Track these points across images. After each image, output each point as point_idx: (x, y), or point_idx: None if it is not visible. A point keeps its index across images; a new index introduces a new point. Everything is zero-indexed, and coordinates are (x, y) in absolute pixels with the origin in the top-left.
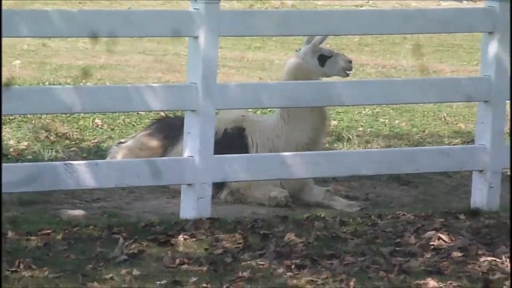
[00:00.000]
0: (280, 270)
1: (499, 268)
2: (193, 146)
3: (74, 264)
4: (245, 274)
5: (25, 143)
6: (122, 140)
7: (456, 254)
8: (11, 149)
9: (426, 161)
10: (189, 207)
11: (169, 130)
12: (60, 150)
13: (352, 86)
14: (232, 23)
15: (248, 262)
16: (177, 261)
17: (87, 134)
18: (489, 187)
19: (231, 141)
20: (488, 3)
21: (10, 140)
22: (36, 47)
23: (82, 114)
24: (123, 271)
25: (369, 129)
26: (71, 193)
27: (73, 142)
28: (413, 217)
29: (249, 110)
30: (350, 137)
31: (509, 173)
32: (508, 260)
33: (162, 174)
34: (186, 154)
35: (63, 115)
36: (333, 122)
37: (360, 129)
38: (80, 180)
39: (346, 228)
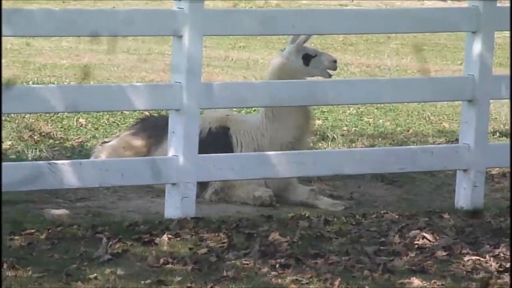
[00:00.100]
0: (265, 270)
1: (483, 267)
2: (177, 146)
3: (58, 263)
4: (230, 273)
5: (9, 143)
6: (106, 140)
7: (440, 253)
8: None
9: (410, 160)
10: (174, 207)
11: (153, 129)
12: (44, 150)
13: (337, 85)
14: (216, 22)
15: (233, 261)
16: (162, 260)
17: (71, 133)
18: (473, 186)
19: (216, 140)
20: (471, 2)
21: None
22: (20, 46)
23: (66, 113)
24: (107, 271)
25: (353, 129)
26: (55, 193)
27: (57, 142)
28: (397, 216)
29: (234, 109)
30: (335, 136)
31: (493, 173)
32: (492, 259)
33: (146, 173)
34: (170, 153)
35: (47, 115)
36: (318, 122)
37: (345, 128)
38: (64, 180)
39: (331, 227)
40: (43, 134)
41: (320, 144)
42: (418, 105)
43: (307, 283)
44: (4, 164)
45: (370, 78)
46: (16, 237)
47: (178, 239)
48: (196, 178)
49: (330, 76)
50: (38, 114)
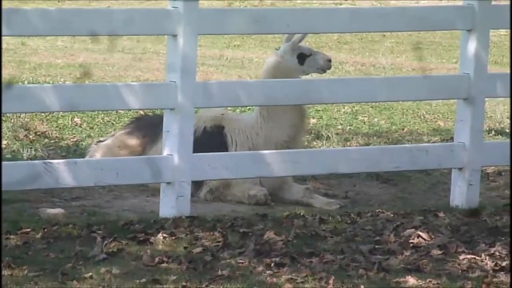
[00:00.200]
0: (260, 268)
1: (478, 266)
2: (172, 145)
3: (53, 263)
4: (225, 272)
5: (4, 142)
6: (101, 139)
7: (436, 252)
8: None
9: (405, 158)
10: (169, 206)
11: (148, 128)
12: (39, 149)
13: (332, 84)
14: (211, 21)
15: (228, 260)
16: (157, 259)
17: (66, 132)
18: (468, 184)
19: (210, 139)
20: (467, 0)
21: None
22: (15, 46)
23: (61, 113)
24: (103, 270)
25: (348, 127)
26: (50, 192)
27: (52, 141)
28: (392, 215)
29: (229, 108)
30: (329, 135)
31: (488, 171)
32: (487, 258)
33: (141, 172)
34: (165, 152)
35: (42, 114)
36: (312, 120)
37: (339, 127)
38: (59, 179)
39: (326, 226)
40: (38, 133)
41: (315, 143)
42: (413, 103)
43: (302, 282)
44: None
45: (365, 76)
46: (12, 236)
47: (173, 238)
48: (191, 177)
49: (324, 72)
50: (34, 113)
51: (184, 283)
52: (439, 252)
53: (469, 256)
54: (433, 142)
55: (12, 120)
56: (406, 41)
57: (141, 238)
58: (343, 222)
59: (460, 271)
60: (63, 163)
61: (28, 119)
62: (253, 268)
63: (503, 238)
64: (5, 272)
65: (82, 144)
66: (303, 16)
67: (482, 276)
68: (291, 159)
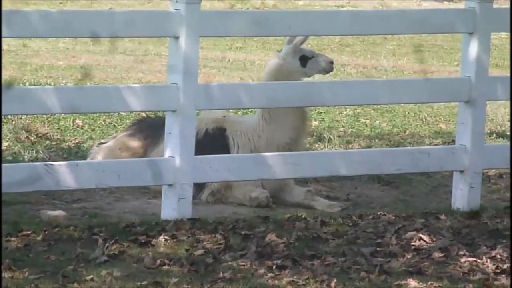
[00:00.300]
0: (261, 271)
1: (479, 269)
2: (174, 147)
3: (54, 265)
4: (226, 274)
5: (6, 144)
6: (102, 141)
7: (437, 254)
8: None
9: (406, 161)
10: (170, 208)
11: (150, 130)
12: (40, 151)
13: (333, 86)
14: (213, 23)
15: (229, 262)
16: (158, 261)
17: (68, 134)
18: (469, 187)
19: (212, 141)
20: (468, 3)
21: None
22: (17, 48)
23: (62, 114)
24: (104, 272)
25: (350, 130)
26: (51, 194)
27: (54, 143)
28: (394, 217)
29: (230, 110)
30: (331, 137)
31: (489, 174)
32: (489, 260)
33: (143, 174)
34: (167, 154)
35: (44, 116)
36: (314, 123)
37: (341, 129)
38: (60, 181)
39: (327, 228)
40: (39, 135)
41: (316, 145)
42: (414, 106)
43: (303, 285)
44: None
45: (367, 79)
46: (13, 239)
47: (175, 240)
48: (192, 179)
49: (327, 73)
50: (35, 115)
51: (185, 286)
52: (441, 255)
53: (470, 259)
54: (435, 145)
55: (14, 122)
56: (407, 43)
57: (142, 240)
58: (345, 225)
59: (461, 273)
60: (64, 165)
61: (30, 121)
62: (254, 271)
63: (504, 241)
64: (5, 275)
65: (83, 146)
66: (305, 18)
67: (483, 278)
68: (293, 162)
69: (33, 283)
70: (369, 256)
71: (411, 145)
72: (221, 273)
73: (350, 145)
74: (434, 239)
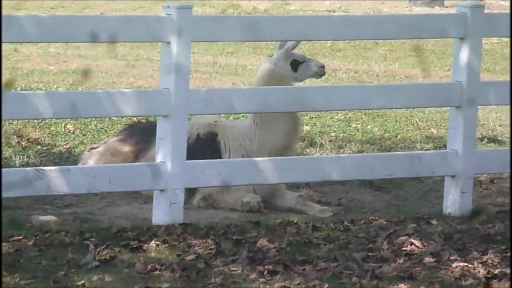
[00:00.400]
0: (253, 276)
1: (471, 274)
2: (165, 152)
3: (45, 270)
4: (218, 280)
5: None
6: (94, 146)
7: (429, 259)
8: None
9: (398, 166)
10: (162, 213)
11: (141, 135)
12: (31, 156)
13: (325, 91)
14: (204, 28)
15: (221, 268)
16: (149, 267)
17: (59, 139)
18: (461, 192)
19: (204, 146)
20: (459, 8)
21: None
22: (8, 52)
23: (53, 119)
24: (95, 277)
25: (341, 134)
26: (43, 199)
27: (45, 148)
28: (385, 222)
29: (222, 115)
30: (323, 142)
31: (481, 179)
32: (480, 265)
33: (134, 179)
34: (158, 159)
35: (35, 121)
36: (306, 127)
37: (333, 134)
38: (51, 186)
39: (319, 233)
40: (31, 140)
41: (308, 150)
42: (406, 111)
43: None
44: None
45: (358, 84)
46: (4, 244)
47: (166, 245)
48: (184, 184)
49: (320, 76)
50: (26, 120)
51: None
52: (432, 260)
53: (461, 264)
54: (426, 150)
55: (5, 127)
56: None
57: (134, 246)
58: (336, 230)
59: (452, 278)
60: (55, 170)
61: (21, 126)
62: (246, 276)
63: (495, 246)
64: None
65: (75, 151)
66: (296, 23)
67: (475, 284)
68: (285, 166)
69: None
70: (361, 261)
71: (403, 150)
72: (212, 278)
73: (341, 150)
74: (426, 244)
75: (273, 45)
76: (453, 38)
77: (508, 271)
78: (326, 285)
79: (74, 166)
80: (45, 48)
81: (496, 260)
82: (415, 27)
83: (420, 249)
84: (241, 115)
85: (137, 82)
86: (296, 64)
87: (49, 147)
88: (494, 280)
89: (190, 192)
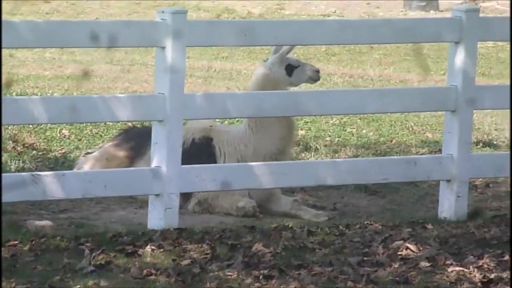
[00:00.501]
0: (248, 281)
1: (467, 278)
2: (160, 156)
3: (41, 275)
4: (213, 285)
5: None
6: (89, 151)
7: (424, 264)
8: None
9: (393, 170)
10: (157, 218)
11: (136, 140)
12: (27, 161)
13: (319, 95)
14: (199, 33)
15: (216, 272)
16: (145, 272)
17: (54, 144)
18: (456, 196)
19: (199, 151)
20: (454, 12)
21: None
22: (3, 58)
23: (49, 124)
24: (91, 282)
25: (336, 139)
26: (38, 204)
27: (40, 153)
28: (380, 226)
29: (217, 120)
30: (318, 146)
31: (476, 183)
32: (476, 270)
33: (130, 184)
34: (153, 164)
35: (30, 126)
36: (301, 132)
37: (328, 138)
38: (47, 191)
39: (314, 238)
40: (26, 145)
41: (303, 155)
42: (401, 115)
43: None
44: None
45: (353, 88)
46: None
47: (161, 250)
48: (179, 189)
49: (314, 82)
50: (21, 125)
51: None
52: (428, 264)
53: (457, 268)
54: (421, 154)
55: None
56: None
57: (129, 250)
58: (332, 234)
59: (448, 283)
60: (51, 175)
61: (16, 131)
62: (241, 281)
63: (491, 250)
64: None
65: (70, 156)
66: (291, 28)
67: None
68: (280, 171)
69: None
70: (356, 265)
71: (398, 154)
72: (207, 283)
73: (336, 155)
74: (421, 248)
75: (268, 50)
76: (448, 42)
77: (504, 275)
78: None
79: (70, 171)
80: (41, 53)
81: (492, 265)
82: (410, 31)
83: (415, 254)
84: (236, 119)
85: (132, 87)
86: (291, 68)
87: (44, 152)
88: (490, 285)
89: (185, 197)
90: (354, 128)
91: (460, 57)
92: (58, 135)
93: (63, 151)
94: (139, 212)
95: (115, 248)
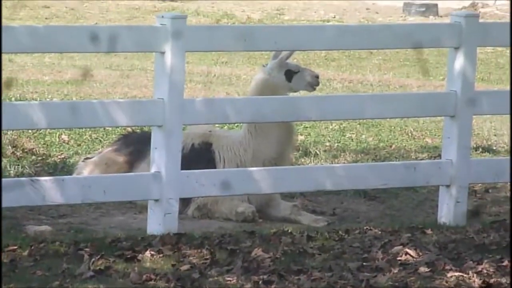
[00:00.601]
0: (248, 286)
1: (466, 284)
2: (160, 162)
3: (40, 280)
4: None
5: None
6: (88, 156)
7: (423, 269)
8: None
9: (392, 175)
10: (156, 223)
11: (136, 145)
12: (26, 166)
13: (319, 101)
14: (198, 38)
15: (216, 278)
16: (144, 277)
17: (54, 149)
18: (455, 202)
19: (198, 156)
20: (454, 18)
21: None
22: (2, 63)
23: (48, 130)
24: (90, 287)
25: (336, 144)
26: (37, 209)
27: (40, 158)
28: (380, 232)
29: (216, 125)
30: (317, 152)
31: (475, 188)
32: (475, 275)
33: (129, 189)
34: (153, 169)
35: (29, 131)
36: (300, 137)
37: (327, 144)
38: (46, 196)
39: (313, 243)
40: (25, 150)
41: (302, 160)
42: (400, 120)
43: None
44: None
45: (352, 93)
46: None
47: (161, 255)
48: (178, 194)
49: (314, 89)
50: (21, 130)
51: None
52: (427, 269)
53: (456, 274)
54: (421, 159)
55: None
56: (393, 58)
57: (128, 256)
58: (331, 239)
59: None
60: (50, 180)
61: (15, 136)
62: (241, 286)
63: (490, 256)
64: None
65: (69, 161)
66: (291, 33)
67: None
68: (279, 176)
69: None
70: (356, 271)
71: (397, 160)
72: None
73: (336, 160)
74: (421, 253)
75: (267, 55)
76: (447, 48)
77: (503, 280)
78: None
79: (69, 176)
80: (40, 58)
81: (491, 270)
82: (410, 37)
83: (414, 259)
84: (236, 125)
85: (132, 92)
86: (290, 74)
87: (43, 157)
88: None
89: (185, 202)
90: (353, 134)
91: (459, 63)
92: (58, 140)
93: (63, 156)
94: (139, 217)
95: (114, 253)
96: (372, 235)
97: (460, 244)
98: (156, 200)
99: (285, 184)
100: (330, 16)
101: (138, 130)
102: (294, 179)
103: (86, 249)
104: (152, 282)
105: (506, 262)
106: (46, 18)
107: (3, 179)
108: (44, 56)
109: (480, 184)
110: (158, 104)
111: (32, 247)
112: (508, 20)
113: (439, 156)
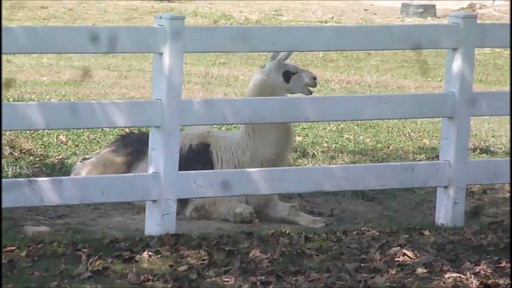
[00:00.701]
0: (245, 287)
1: (464, 285)
2: (158, 162)
3: (38, 281)
4: None
5: None
6: (86, 157)
7: (421, 270)
8: None
9: (390, 177)
10: (154, 224)
11: (134, 146)
12: (24, 167)
13: (317, 102)
14: (196, 39)
15: (213, 278)
16: (142, 277)
17: (52, 150)
18: (453, 203)
19: (196, 157)
20: (452, 19)
21: None
22: None
23: (46, 130)
24: None
25: (334, 145)
26: (35, 210)
27: (37, 159)
28: (378, 233)
29: (214, 126)
30: (315, 153)
31: (473, 189)
32: (472, 276)
33: (127, 190)
34: (151, 170)
35: (27, 132)
36: (298, 138)
37: (325, 145)
38: (44, 197)
39: (311, 244)
40: (23, 151)
41: (300, 161)
42: (398, 121)
43: None
44: None
45: (350, 94)
46: None
47: (159, 256)
48: (176, 195)
49: (310, 92)
50: (19, 131)
51: None
52: (425, 271)
53: (454, 275)
54: (419, 160)
55: None
56: (391, 59)
57: (126, 256)
58: (329, 240)
59: None
60: (48, 181)
61: (13, 137)
62: (238, 286)
63: (488, 257)
64: None
65: (67, 162)
66: (289, 34)
67: None
68: (277, 177)
69: None
70: (353, 271)
71: (395, 161)
72: None
73: (334, 161)
74: (418, 254)
75: (265, 56)
76: (445, 49)
77: (501, 281)
78: None
79: (67, 177)
80: (38, 59)
81: (489, 271)
82: (408, 38)
83: (412, 260)
84: (234, 126)
85: (130, 93)
86: (288, 75)
87: (41, 158)
88: None
89: (183, 203)
90: (351, 135)
91: (457, 64)
92: (55, 141)
93: (60, 157)
94: (137, 218)
95: (112, 254)
96: (370, 236)
97: (458, 245)
98: (154, 201)
99: (283, 185)
100: (328, 17)
101: (136, 131)
102: (292, 180)
103: (84, 249)
104: (150, 283)
105: (504, 264)
106: (44, 19)
107: (2, 180)
108: (42, 56)
109: (478, 185)
110: (156, 105)
111: (30, 248)
112: (506, 21)
113: (437, 157)
